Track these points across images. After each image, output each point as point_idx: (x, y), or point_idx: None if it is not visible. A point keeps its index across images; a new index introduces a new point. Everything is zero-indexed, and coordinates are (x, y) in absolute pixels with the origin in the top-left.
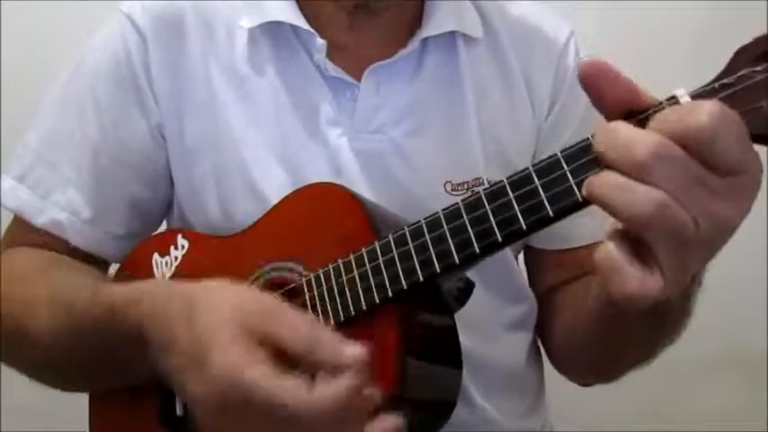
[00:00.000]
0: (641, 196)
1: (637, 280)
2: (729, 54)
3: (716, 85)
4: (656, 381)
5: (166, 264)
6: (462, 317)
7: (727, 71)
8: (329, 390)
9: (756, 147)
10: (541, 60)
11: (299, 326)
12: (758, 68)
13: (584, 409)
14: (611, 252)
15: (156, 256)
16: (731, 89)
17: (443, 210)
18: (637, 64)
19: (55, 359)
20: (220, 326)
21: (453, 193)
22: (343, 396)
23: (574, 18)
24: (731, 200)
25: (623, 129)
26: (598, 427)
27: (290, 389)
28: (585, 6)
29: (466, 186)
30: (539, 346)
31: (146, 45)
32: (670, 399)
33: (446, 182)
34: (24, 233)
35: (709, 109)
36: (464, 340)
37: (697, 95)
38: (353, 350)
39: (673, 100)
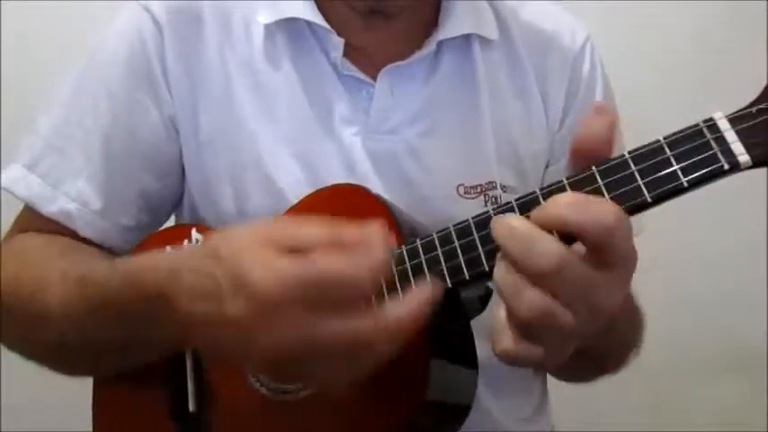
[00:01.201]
0: (526, 304)
1: (508, 348)
2: (729, 53)
3: (753, 109)
4: (657, 380)
5: None
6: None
7: (763, 97)
8: (371, 253)
9: None
10: (556, 66)
11: (314, 222)
12: None
13: (585, 409)
14: (500, 315)
15: (168, 249)
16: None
17: (473, 217)
18: (637, 63)
19: (67, 337)
20: (247, 248)
21: (466, 195)
22: (385, 257)
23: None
24: (610, 293)
25: (528, 228)
26: (599, 427)
27: (336, 261)
28: (586, 6)
29: (479, 189)
30: None
31: (162, 36)
32: (670, 398)
33: (459, 184)
34: (34, 222)
35: (613, 209)
36: None
37: (735, 119)
38: (373, 225)
39: (710, 122)
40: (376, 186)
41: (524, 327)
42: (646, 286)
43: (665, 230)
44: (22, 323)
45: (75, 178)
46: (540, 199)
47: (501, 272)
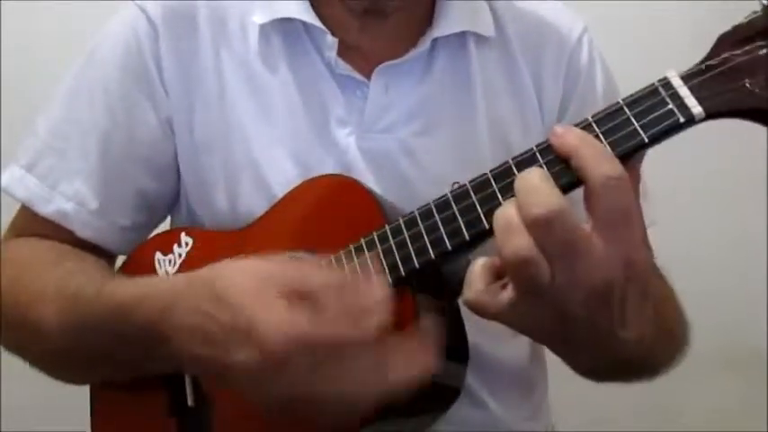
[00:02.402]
0: (511, 246)
1: (476, 294)
2: None
3: (703, 66)
4: (656, 380)
5: (170, 262)
6: (466, 312)
7: (711, 54)
8: (374, 317)
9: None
10: (551, 61)
11: (320, 267)
12: (738, 52)
13: (584, 409)
14: (476, 265)
15: (158, 254)
16: (716, 70)
17: (451, 191)
18: (637, 61)
19: (62, 351)
20: (251, 292)
21: None
22: (382, 325)
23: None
24: (592, 265)
25: (537, 179)
26: (599, 427)
27: (341, 321)
28: (585, 5)
29: None
30: (541, 346)
31: (157, 36)
32: (670, 398)
33: (454, 183)
34: (31, 223)
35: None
36: (468, 337)
37: (687, 76)
38: (379, 284)
39: (664, 80)
40: (370, 185)
41: (501, 271)
42: None
43: (664, 229)
44: (18, 331)
45: (71, 178)
46: (514, 168)
47: (504, 207)
